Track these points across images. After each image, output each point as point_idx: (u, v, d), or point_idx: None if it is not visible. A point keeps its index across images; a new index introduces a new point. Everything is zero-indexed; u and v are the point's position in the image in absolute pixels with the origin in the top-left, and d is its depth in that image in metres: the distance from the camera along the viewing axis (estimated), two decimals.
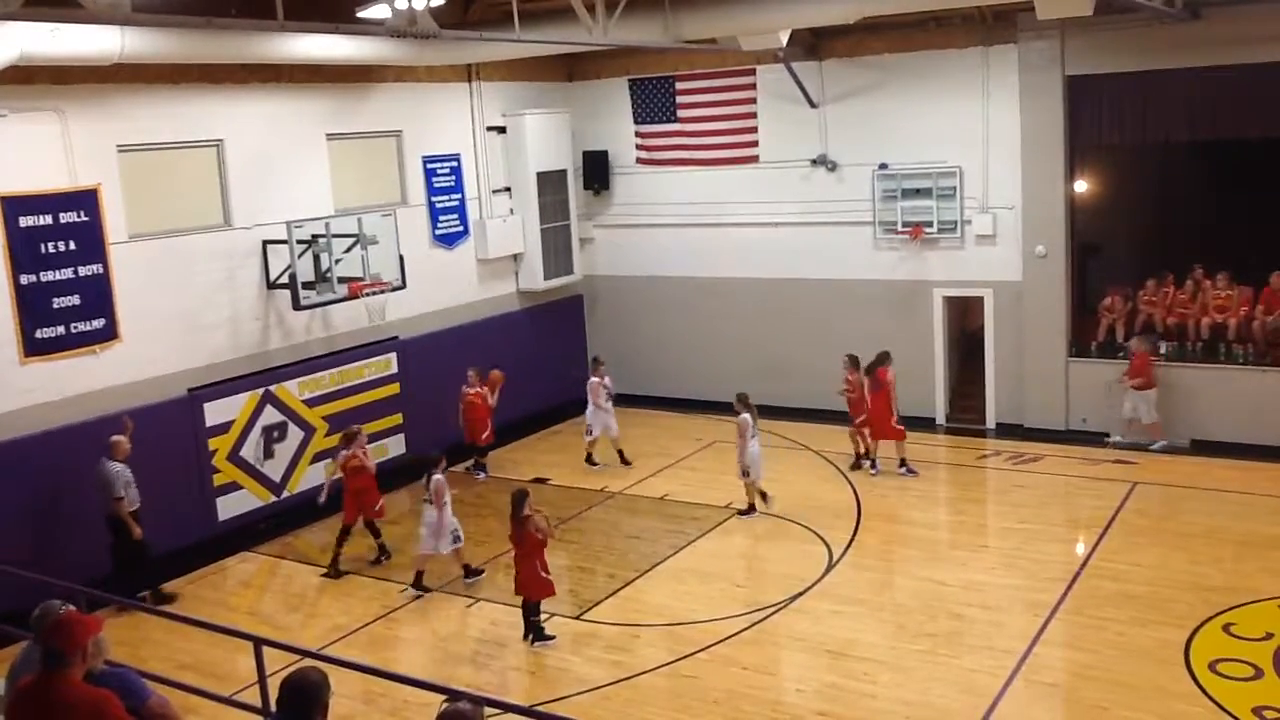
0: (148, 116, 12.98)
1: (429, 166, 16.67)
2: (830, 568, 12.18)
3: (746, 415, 13.70)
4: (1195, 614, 10.44)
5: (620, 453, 16.07)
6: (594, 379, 16.03)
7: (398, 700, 9.52)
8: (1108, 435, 15.70)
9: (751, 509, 13.87)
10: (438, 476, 12.13)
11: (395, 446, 15.92)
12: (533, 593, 10.76)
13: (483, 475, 16.05)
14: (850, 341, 17.14)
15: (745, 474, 13.79)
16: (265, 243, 14.12)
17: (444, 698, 5.26)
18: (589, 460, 16.11)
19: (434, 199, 16.77)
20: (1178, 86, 14.82)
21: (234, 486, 13.86)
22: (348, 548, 13.02)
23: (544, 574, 10.76)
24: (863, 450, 15.34)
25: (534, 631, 10.81)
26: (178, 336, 13.38)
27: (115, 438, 12.03)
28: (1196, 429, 15.22)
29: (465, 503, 15.03)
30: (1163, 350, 15.70)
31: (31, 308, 11.90)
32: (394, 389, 15.87)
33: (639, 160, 18.96)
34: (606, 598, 11.78)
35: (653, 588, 12.05)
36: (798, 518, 13.60)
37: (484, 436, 16.00)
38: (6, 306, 11.73)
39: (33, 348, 11.96)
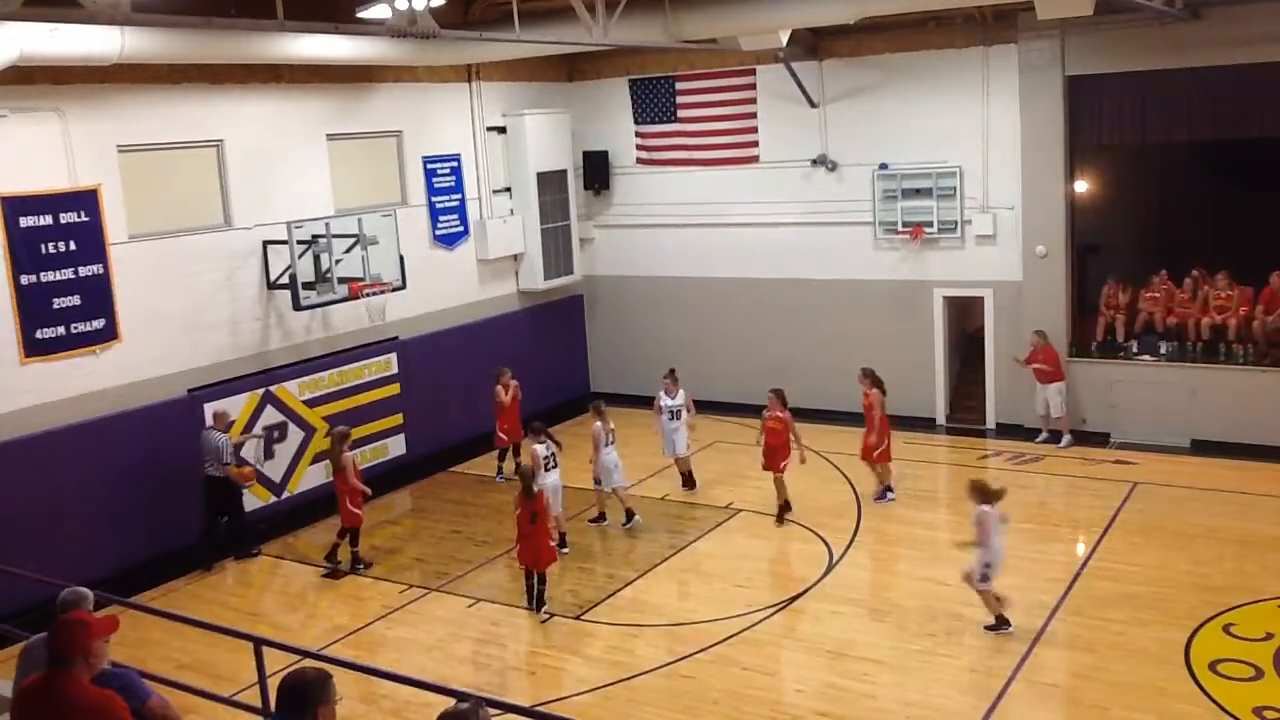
0: (148, 116, 12.97)
1: (429, 166, 16.67)
2: (830, 568, 12.18)
3: (599, 424, 13.60)
4: (1195, 614, 10.44)
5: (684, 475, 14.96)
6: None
7: (398, 700, 9.53)
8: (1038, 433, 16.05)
9: (630, 515, 13.71)
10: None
11: (395, 447, 15.91)
12: (545, 560, 11.45)
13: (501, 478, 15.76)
14: (850, 341, 17.22)
15: (598, 483, 13.73)
16: (265, 243, 14.12)
17: (449, 700, 5.26)
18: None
19: (434, 199, 16.77)
20: (1178, 86, 14.81)
21: None
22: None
23: (551, 543, 11.76)
24: (784, 499, 13.70)
25: (540, 600, 11.39)
26: (178, 337, 13.38)
27: (219, 409, 13.23)
28: (1196, 429, 15.21)
29: (465, 503, 15.09)
30: (1162, 350, 15.71)
31: (31, 308, 11.90)
32: (394, 389, 15.87)
33: (639, 160, 18.95)
34: (606, 598, 11.78)
35: (653, 588, 12.06)
36: (798, 518, 13.60)
37: (510, 437, 15.75)
38: (6, 307, 11.73)
39: (33, 348, 11.95)
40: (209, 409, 13.34)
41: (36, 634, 6.22)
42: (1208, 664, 9.53)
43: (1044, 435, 15.90)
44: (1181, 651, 9.78)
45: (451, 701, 5.12)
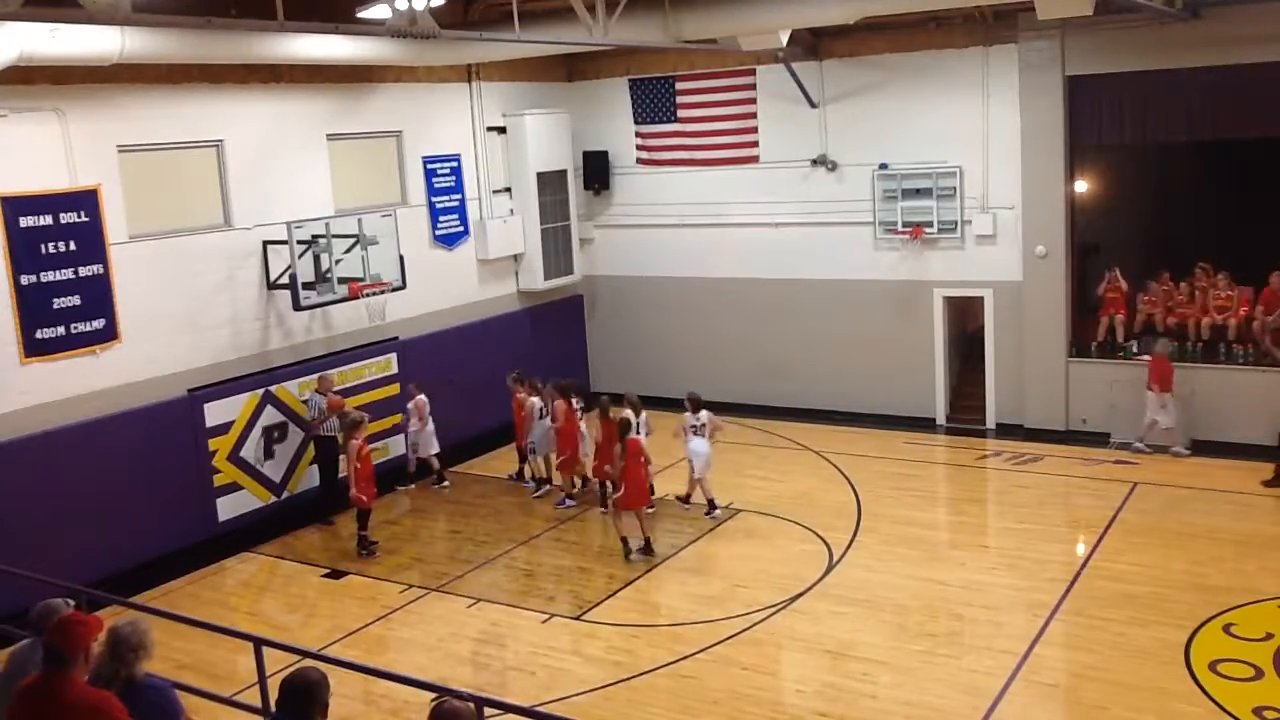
0: (148, 116, 12.97)
1: (429, 167, 16.67)
2: (830, 568, 12.18)
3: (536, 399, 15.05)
4: (1195, 614, 10.44)
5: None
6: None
7: (398, 700, 9.52)
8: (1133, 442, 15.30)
9: (542, 483, 15.12)
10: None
11: (396, 447, 15.90)
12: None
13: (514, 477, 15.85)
14: (850, 341, 17.24)
15: (532, 452, 15.18)
16: (265, 243, 14.12)
17: (434, 696, 5.24)
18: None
19: (434, 199, 16.77)
20: (1178, 86, 14.82)
21: (234, 487, 13.84)
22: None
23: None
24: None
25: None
26: (178, 337, 13.37)
27: (326, 373, 14.46)
28: (1196, 429, 15.21)
29: (464, 503, 15.09)
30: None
31: (31, 308, 11.89)
32: (394, 389, 15.86)
33: (639, 160, 18.95)
34: (606, 598, 11.78)
35: (653, 588, 12.06)
36: (798, 518, 13.60)
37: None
38: (6, 307, 11.72)
39: (33, 348, 11.95)
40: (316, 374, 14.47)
41: (28, 636, 6.22)
42: (1208, 664, 9.53)
43: (1183, 446, 14.95)
44: (1181, 651, 9.78)
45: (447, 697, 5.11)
